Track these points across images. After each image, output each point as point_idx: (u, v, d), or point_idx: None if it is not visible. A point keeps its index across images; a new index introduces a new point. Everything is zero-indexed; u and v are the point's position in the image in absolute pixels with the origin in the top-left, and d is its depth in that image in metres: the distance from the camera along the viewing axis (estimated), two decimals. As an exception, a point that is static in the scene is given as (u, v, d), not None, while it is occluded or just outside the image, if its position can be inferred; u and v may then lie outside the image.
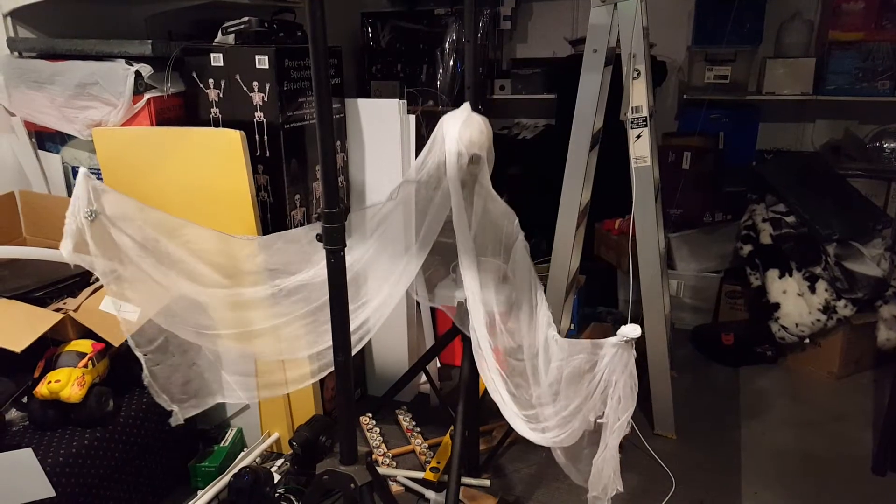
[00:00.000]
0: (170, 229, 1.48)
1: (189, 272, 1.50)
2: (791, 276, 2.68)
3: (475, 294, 1.60)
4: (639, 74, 2.01)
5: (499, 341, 1.60)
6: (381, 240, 1.59)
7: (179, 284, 1.48)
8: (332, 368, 1.38)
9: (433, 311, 2.65)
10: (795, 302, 2.64)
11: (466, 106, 1.55)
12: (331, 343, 1.33)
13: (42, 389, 1.62)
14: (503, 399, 1.55)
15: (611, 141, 2.33)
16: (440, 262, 2.77)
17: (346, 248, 1.26)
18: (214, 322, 1.55)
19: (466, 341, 1.97)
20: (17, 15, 2.02)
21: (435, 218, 1.60)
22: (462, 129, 1.50)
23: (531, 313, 1.58)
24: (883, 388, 2.55)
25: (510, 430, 2.19)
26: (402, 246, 1.63)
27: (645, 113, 2.03)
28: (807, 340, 2.68)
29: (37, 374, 1.71)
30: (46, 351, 1.74)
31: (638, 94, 2.02)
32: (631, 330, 1.32)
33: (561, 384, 1.48)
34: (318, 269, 1.53)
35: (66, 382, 1.63)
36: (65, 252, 1.32)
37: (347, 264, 1.31)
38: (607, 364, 1.37)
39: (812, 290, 2.62)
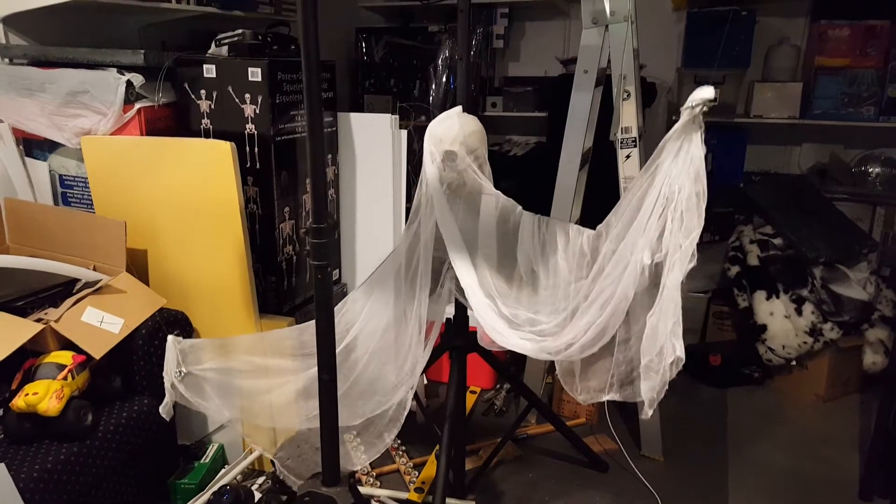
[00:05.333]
0: (248, 348, 1.63)
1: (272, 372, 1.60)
2: (778, 297, 2.69)
3: (473, 287, 1.55)
4: (629, 95, 2.02)
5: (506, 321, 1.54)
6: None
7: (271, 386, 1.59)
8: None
9: (421, 327, 2.63)
10: (782, 324, 2.65)
11: (454, 109, 1.53)
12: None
13: (19, 402, 1.58)
14: (534, 350, 1.45)
15: (601, 160, 2.34)
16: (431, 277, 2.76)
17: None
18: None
19: (454, 358, 1.96)
20: (9, 22, 2.00)
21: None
22: (431, 129, 1.50)
23: (537, 273, 1.50)
24: (869, 411, 2.56)
25: (497, 449, 2.18)
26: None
27: (634, 133, 2.04)
28: (793, 362, 2.69)
29: (14, 386, 1.67)
30: (25, 362, 1.71)
31: (627, 115, 2.03)
32: (703, 91, 1.03)
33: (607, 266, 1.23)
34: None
35: (44, 395, 1.59)
36: (163, 411, 1.56)
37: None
38: (668, 169, 1.07)
39: (799, 312, 2.64)
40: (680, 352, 1.10)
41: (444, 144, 1.49)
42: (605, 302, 1.21)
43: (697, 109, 1.06)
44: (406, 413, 1.67)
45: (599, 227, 1.35)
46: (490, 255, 1.59)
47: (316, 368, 1.51)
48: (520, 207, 1.54)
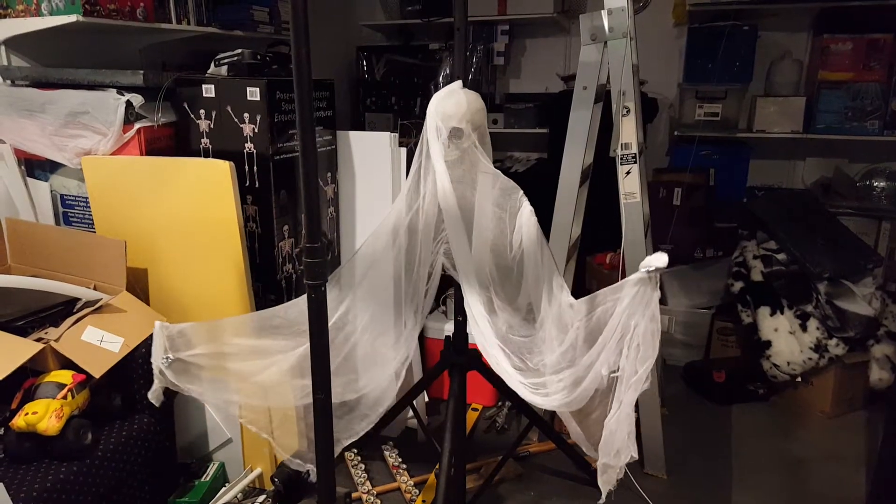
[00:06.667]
0: (234, 330, 1.61)
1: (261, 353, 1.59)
2: (782, 313, 2.66)
3: (469, 275, 1.56)
4: (628, 112, 2.02)
5: (499, 319, 1.56)
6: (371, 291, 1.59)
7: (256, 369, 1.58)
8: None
9: (421, 343, 2.63)
10: (787, 340, 2.63)
11: (454, 84, 1.54)
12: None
13: (18, 421, 1.59)
14: (507, 372, 1.50)
15: (603, 174, 2.34)
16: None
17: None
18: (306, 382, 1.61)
19: (454, 375, 1.96)
20: (11, 44, 2.03)
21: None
22: (439, 104, 1.49)
23: (538, 281, 1.52)
24: (876, 428, 2.52)
25: (498, 467, 2.16)
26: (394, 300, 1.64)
27: (634, 150, 2.04)
28: (798, 379, 2.66)
29: (14, 405, 1.67)
30: (25, 381, 1.71)
31: (627, 131, 2.03)
32: (656, 259, 1.18)
33: (577, 349, 1.37)
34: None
35: (44, 414, 1.59)
36: (152, 396, 1.54)
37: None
38: (627, 306, 1.24)
39: (803, 328, 2.61)
40: (634, 452, 1.29)
41: (452, 121, 1.49)
42: (570, 387, 1.37)
43: (653, 274, 1.21)
44: (398, 386, 1.71)
45: (574, 302, 1.44)
46: (485, 239, 1.60)
47: (304, 347, 1.51)
48: (521, 192, 1.54)
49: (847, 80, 3.13)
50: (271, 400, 1.63)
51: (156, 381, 1.51)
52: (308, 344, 1.51)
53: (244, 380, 1.58)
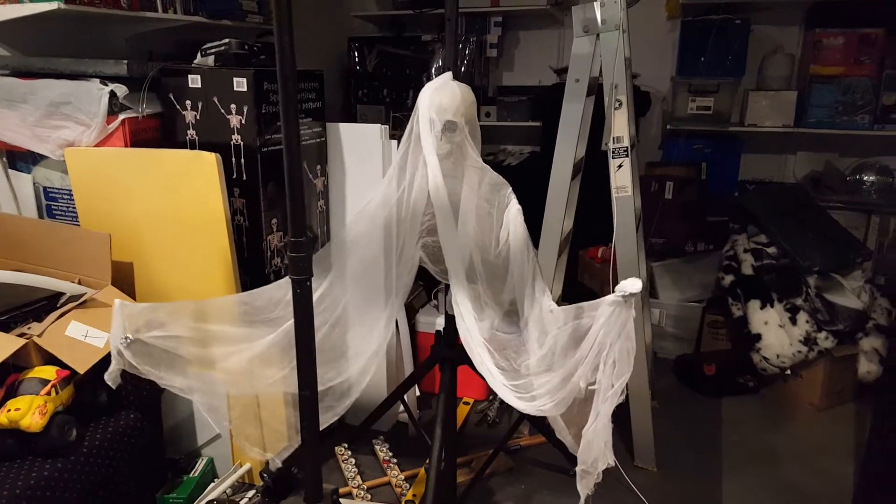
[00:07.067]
0: (196, 314, 1.55)
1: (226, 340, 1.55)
2: (772, 306, 2.67)
3: (457, 269, 1.55)
4: (620, 105, 2.01)
5: (485, 315, 1.56)
6: (358, 269, 1.56)
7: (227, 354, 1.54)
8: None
9: (413, 337, 2.61)
10: (776, 333, 2.63)
11: (445, 75, 1.53)
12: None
13: (0, 418, 1.56)
14: (490, 372, 1.50)
15: (595, 168, 2.33)
16: (422, 287, 2.75)
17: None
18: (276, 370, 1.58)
19: (445, 369, 1.94)
20: (-9, 32, 1.99)
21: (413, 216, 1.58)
22: (433, 96, 1.48)
23: (523, 280, 1.52)
24: (864, 420, 2.54)
25: (489, 460, 2.16)
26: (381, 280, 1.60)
27: (626, 143, 2.02)
28: (788, 372, 2.67)
29: (-4, 402, 1.65)
30: (8, 377, 1.68)
31: (619, 125, 2.02)
32: (631, 284, 1.22)
33: (556, 355, 1.41)
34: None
35: (27, 411, 1.57)
36: (109, 378, 1.45)
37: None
38: (603, 325, 1.29)
39: (793, 321, 2.62)
40: (611, 460, 1.34)
41: (447, 114, 1.47)
42: (553, 391, 1.41)
43: (629, 299, 1.24)
44: (367, 380, 1.68)
45: (555, 308, 1.46)
46: (470, 233, 1.59)
47: (272, 336, 1.51)
48: (510, 188, 1.54)
49: (838, 75, 3.13)
50: (233, 387, 1.59)
51: (113, 362, 1.45)
52: (274, 334, 1.50)
53: (205, 366, 1.54)
